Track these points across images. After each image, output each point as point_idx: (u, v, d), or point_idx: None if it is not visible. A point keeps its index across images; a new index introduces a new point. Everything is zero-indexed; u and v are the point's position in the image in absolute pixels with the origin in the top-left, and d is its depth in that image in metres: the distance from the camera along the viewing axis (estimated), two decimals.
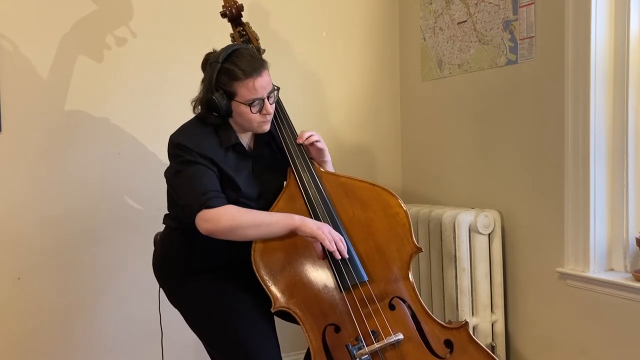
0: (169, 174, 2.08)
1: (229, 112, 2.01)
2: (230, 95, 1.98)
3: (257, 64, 1.98)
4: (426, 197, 3.16)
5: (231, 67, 1.96)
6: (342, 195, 2.11)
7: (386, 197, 2.10)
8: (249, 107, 1.98)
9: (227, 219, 1.93)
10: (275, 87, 2.05)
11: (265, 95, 1.99)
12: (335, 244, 1.96)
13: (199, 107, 2.05)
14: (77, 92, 2.70)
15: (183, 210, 2.01)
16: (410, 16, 3.22)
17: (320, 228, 1.96)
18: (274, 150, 2.19)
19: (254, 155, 2.12)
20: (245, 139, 2.10)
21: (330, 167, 2.21)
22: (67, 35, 2.66)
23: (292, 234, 1.99)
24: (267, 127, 2.06)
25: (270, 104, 2.02)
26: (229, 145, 2.03)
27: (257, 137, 2.13)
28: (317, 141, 2.13)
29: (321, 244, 1.96)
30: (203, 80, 2.03)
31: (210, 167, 1.98)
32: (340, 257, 1.98)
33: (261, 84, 1.97)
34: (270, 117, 2.05)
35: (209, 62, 2.01)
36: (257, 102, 1.98)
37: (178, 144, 2.00)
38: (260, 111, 2.00)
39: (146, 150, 2.81)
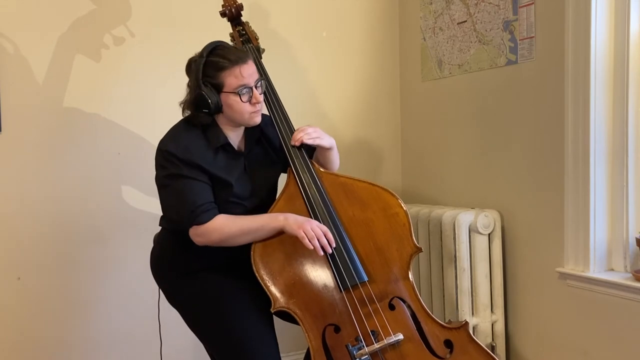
0: (157, 185, 2.07)
1: (219, 107, 2.00)
2: (218, 87, 1.98)
3: (242, 53, 2.01)
4: (426, 197, 3.16)
5: (216, 58, 1.97)
6: (342, 195, 2.10)
7: (386, 197, 2.10)
8: (238, 96, 1.97)
9: (216, 234, 1.97)
10: (262, 77, 2.06)
11: (253, 84, 1.99)
12: (319, 240, 1.94)
13: (187, 109, 2.05)
14: (76, 92, 2.70)
15: (174, 222, 2.03)
16: (410, 16, 3.22)
17: (301, 226, 1.95)
18: (265, 147, 2.18)
19: (245, 154, 2.11)
20: (235, 140, 2.09)
21: (336, 165, 2.20)
22: (65, 34, 2.66)
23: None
24: (258, 119, 2.05)
25: (260, 94, 2.01)
26: (217, 146, 2.03)
27: (248, 136, 2.13)
28: (312, 138, 2.09)
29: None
30: (189, 84, 2.03)
31: (197, 177, 1.97)
32: (329, 252, 1.97)
33: (248, 71, 1.98)
34: (260, 107, 2.03)
35: (193, 60, 2.02)
36: (245, 89, 1.98)
37: (165, 152, 1.99)
38: (250, 100, 2.00)
39: (146, 150, 2.79)
